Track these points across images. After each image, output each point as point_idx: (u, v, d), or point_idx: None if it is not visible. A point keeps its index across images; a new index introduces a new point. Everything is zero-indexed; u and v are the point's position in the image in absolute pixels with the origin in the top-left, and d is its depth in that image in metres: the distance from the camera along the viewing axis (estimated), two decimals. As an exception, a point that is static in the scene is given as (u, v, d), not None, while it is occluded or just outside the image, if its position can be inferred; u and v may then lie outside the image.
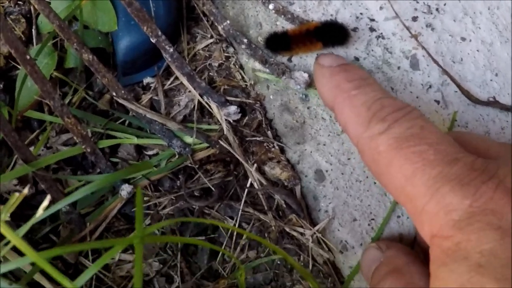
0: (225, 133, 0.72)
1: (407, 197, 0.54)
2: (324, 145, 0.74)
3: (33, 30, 0.83)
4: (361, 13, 0.77)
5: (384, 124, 0.57)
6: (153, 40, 0.73)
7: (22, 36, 0.82)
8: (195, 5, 0.78)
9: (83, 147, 0.72)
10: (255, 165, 0.72)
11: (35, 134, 0.77)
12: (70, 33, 0.74)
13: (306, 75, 0.74)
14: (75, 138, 0.72)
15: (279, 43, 0.75)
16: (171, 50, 0.74)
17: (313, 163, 0.74)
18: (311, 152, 0.74)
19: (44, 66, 0.76)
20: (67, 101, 0.78)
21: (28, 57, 0.69)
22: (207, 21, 0.78)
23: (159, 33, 0.73)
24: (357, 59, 0.76)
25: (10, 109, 0.77)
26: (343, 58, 0.66)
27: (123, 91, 0.75)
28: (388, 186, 0.56)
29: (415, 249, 0.69)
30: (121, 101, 0.73)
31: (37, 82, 0.70)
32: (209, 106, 0.75)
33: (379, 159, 0.56)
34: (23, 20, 0.82)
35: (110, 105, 0.78)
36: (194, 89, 0.75)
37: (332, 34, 0.74)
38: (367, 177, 0.73)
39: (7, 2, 0.84)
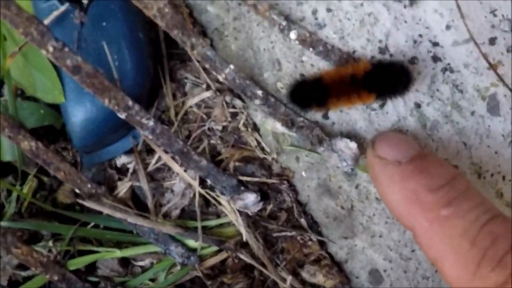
0: (244, 239, 0.47)
1: None
2: (381, 236, 0.50)
3: None
4: (420, 35, 0.51)
5: (503, 273, 0.38)
6: (121, 116, 0.45)
7: None
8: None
9: (48, 276, 0.47)
10: (290, 277, 0.48)
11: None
12: None
13: (353, 145, 0.48)
14: (33, 269, 0.46)
15: (311, 95, 0.50)
16: (151, 123, 0.47)
17: (367, 262, 0.51)
18: (363, 248, 0.50)
19: None
20: (13, 199, 0.51)
21: None
22: (199, 61, 0.49)
23: (130, 103, 0.46)
24: (418, 105, 0.50)
25: None
26: (414, 144, 0.44)
27: (89, 186, 0.49)
28: None
29: None
30: (88, 204, 0.47)
31: None
32: (214, 197, 0.49)
33: None
34: None
35: (74, 194, 0.52)
36: (192, 170, 0.49)
37: (391, 81, 0.46)
38: (436, 271, 0.54)
39: None
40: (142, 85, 0.50)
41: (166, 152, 0.53)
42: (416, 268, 0.54)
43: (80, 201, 0.52)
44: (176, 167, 0.51)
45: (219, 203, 0.51)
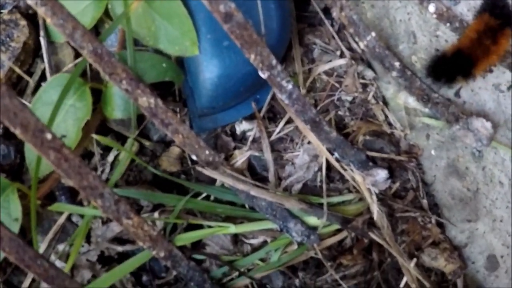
0: (375, 218, 0.39)
1: None
2: (501, 221, 0.45)
3: (41, 38, 0.47)
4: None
5: None
6: (263, 75, 0.37)
7: (23, 50, 0.47)
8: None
9: (154, 252, 0.38)
10: (414, 259, 0.41)
11: (63, 220, 0.41)
12: (115, 64, 0.36)
13: (489, 124, 0.42)
14: (141, 244, 0.37)
15: (454, 69, 0.44)
16: (290, 86, 0.39)
17: (486, 247, 0.45)
18: (484, 232, 0.45)
19: (68, 117, 0.38)
20: (110, 159, 0.41)
21: (49, 136, 0.32)
22: (332, 25, 0.41)
23: (274, 62, 0.38)
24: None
25: (22, 187, 0.40)
26: None
27: (207, 152, 0.40)
28: None
29: None
30: (207, 172, 0.39)
31: (70, 176, 0.35)
32: (348, 170, 0.41)
33: None
34: (23, 22, 0.42)
35: (181, 162, 0.42)
36: (321, 142, 0.40)
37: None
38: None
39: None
40: (284, 44, 0.43)
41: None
42: (530, 255, 0.48)
43: (199, 168, 0.42)
44: (311, 136, 0.43)
45: (352, 178, 0.43)
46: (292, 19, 0.46)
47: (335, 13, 0.43)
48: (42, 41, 0.47)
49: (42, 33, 0.46)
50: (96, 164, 0.46)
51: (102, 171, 0.46)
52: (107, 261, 0.46)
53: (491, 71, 0.49)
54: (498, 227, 0.49)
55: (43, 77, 0.50)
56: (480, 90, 0.48)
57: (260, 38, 0.41)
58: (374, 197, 0.44)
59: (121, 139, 0.47)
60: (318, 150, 0.45)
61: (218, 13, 0.39)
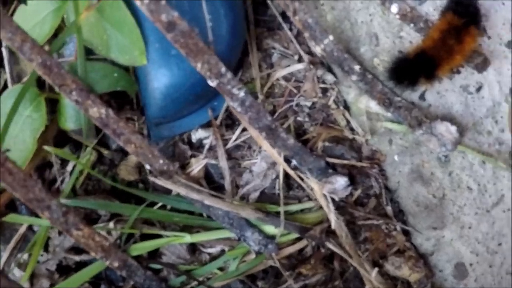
0: (332, 226, 0.38)
1: None
2: (470, 228, 0.43)
3: (2, 49, 0.48)
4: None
5: None
6: (212, 83, 0.36)
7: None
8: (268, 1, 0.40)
9: (107, 262, 0.38)
10: (376, 269, 0.40)
11: (24, 229, 0.41)
12: (64, 76, 0.36)
13: (453, 129, 0.40)
14: (93, 254, 0.36)
15: (416, 71, 0.42)
16: (242, 94, 0.39)
17: (454, 254, 0.44)
18: (451, 239, 0.43)
19: (25, 127, 0.37)
20: (69, 169, 0.41)
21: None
22: (290, 29, 0.40)
23: (223, 70, 0.37)
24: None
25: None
26: None
27: (161, 161, 0.40)
28: None
29: None
30: (160, 182, 0.38)
31: (15, 189, 0.34)
32: (304, 178, 0.40)
33: None
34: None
35: (139, 170, 0.42)
36: (278, 149, 0.40)
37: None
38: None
39: None
40: (236, 51, 0.41)
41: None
42: (501, 262, 0.47)
43: (152, 178, 0.42)
44: (265, 144, 0.42)
45: (308, 186, 0.42)
46: (248, 24, 0.45)
47: (290, 16, 0.41)
48: (4, 51, 0.47)
49: (4, 43, 0.46)
50: (55, 174, 0.46)
51: (62, 181, 0.46)
52: (65, 270, 0.46)
53: (458, 72, 0.47)
54: (466, 234, 0.48)
55: (6, 87, 0.50)
56: (446, 92, 0.46)
57: (207, 46, 0.40)
58: (331, 205, 0.43)
59: (81, 147, 0.47)
60: (274, 158, 0.44)
61: (160, 22, 0.38)
